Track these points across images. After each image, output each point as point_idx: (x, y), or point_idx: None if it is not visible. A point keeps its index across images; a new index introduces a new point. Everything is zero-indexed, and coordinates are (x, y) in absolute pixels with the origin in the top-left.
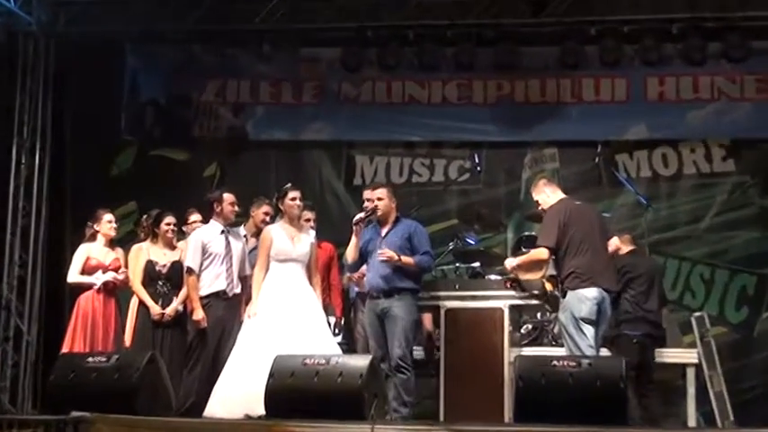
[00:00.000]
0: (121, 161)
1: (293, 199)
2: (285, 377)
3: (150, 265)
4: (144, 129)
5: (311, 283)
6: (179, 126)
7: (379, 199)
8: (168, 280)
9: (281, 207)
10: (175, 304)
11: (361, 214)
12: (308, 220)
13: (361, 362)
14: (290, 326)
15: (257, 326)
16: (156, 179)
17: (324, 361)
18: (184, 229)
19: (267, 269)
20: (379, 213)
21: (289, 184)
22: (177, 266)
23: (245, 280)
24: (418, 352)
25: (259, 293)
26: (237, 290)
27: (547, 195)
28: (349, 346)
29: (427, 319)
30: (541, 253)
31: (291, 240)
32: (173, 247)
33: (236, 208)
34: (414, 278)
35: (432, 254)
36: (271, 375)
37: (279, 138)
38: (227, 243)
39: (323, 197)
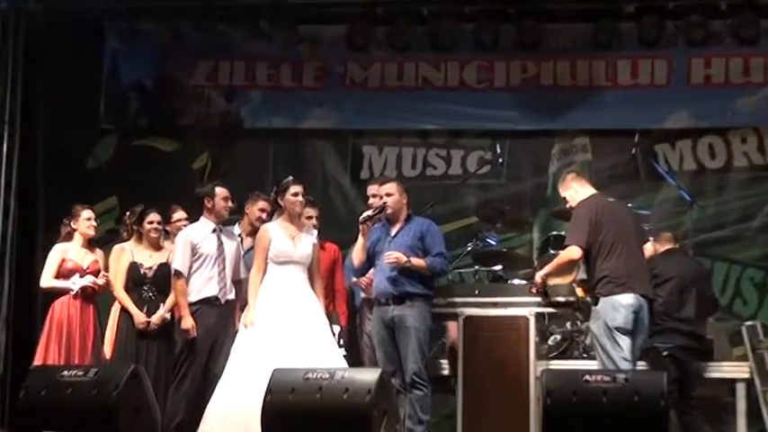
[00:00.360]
0: (100, 152)
1: (295, 194)
2: (284, 393)
3: (134, 268)
4: (126, 116)
5: (313, 288)
6: (165, 113)
7: (389, 195)
8: (154, 284)
9: (281, 203)
10: (162, 312)
11: (369, 212)
12: (309, 218)
13: (369, 376)
14: (291, 336)
15: (254, 336)
16: (140, 172)
17: (328, 375)
18: (168, 228)
19: (265, 272)
20: (389, 211)
21: (290, 178)
22: (164, 269)
23: (239, 284)
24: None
25: (256, 300)
26: (231, 295)
27: (575, 191)
28: (354, 359)
29: (453, 327)
30: (572, 252)
31: (292, 240)
32: (159, 248)
33: (230, 204)
34: (426, 282)
35: (446, 256)
36: (268, 391)
37: (277, 126)
38: (220, 243)
39: (326, 192)
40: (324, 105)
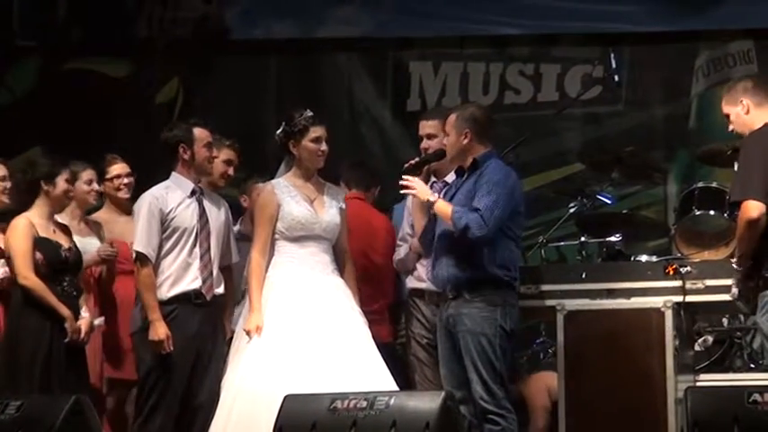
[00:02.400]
0: (16, 81)
1: (315, 139)
2: (302, 430)
3: (51, 248)
4: (52, 27)
5: (342, 275)
6: (111, 21)
7: (445, 133)
8: (74, 274)
9: (293, 151)
10: (88, 316)
11: (414, 160)
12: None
13: (427, 403)
14: (315, 347)
15: (261, 348)
16: (76, 109)
17: (365, 403)
18: (99, 189)
19: (272, 254)
20: (449, 157)
21: (307, 113)
22: (78, 252)
23: (229, 272)
24: None
25: (261, 295)
26: (220, 289)
27: (748, 110)
28: (400, 378)
29: None
30: (748, 210)
31: (311, 205)
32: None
33: (216, 153)
34: (493, 262)
35: (485, 217)
36: (278, 429)
37: (281, 35)
38: (202, 212)
39: (356, 131)
40: (351, 2)
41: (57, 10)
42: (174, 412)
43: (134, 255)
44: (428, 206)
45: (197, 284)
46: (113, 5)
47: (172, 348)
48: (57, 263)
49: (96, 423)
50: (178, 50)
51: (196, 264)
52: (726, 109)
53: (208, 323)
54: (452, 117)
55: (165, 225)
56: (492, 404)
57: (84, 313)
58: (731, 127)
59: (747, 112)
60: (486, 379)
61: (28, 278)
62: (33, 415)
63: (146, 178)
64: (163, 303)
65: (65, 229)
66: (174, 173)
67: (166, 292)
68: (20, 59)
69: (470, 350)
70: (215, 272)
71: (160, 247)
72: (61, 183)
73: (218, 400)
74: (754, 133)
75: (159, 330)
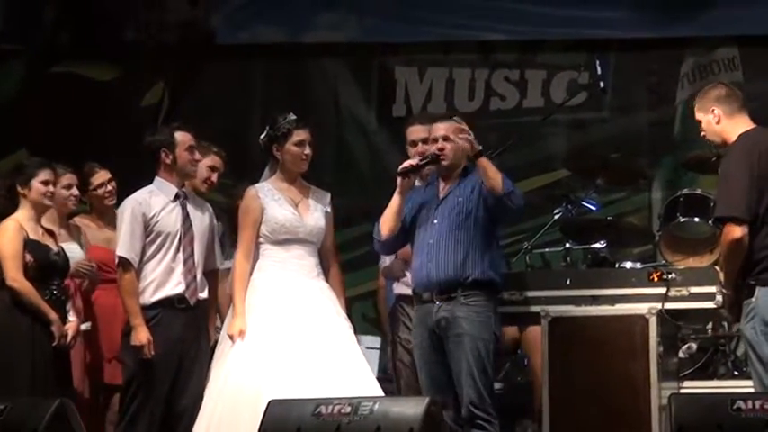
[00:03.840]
0: (1, 84)
1: (299, 143)
2: None
3: (41, 251)
4: (38, 31)
5: (327, 279)
6: (98, 25)
7: (446, 139)
8: (62, 278)
9: (277, 155)
10: (75, 320)
11: (413, 161)
12: None
13: (410, 409)
14: (299, 351)
15: (244, 353)
16: (61, 112)
17: (349, 408)
18: (78, 194)
19: (256, 257)
20: (445, 163)
21: (291, 117)
22: (65, 257)
23: (214, 277)
24: None
25: (245, 299)
26: (203, 294)
27: (721, 118)
28: (384, 384)
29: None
30: (730, 232)
31: (295, 208)
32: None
33: (198, 156)
34: (492, 264)
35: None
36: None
37: (267, 40)
38: (186, 216)
39: (342, 136)
40: (337, 7)
41: (43, 14)
42: (158, 416)
43: (117, 260)
44: (474, 155)
45: (180, 289)
46: (100, 9)
47: (154, 353)
48: (46, 265)
49: (80, 427)
50: (164, 55)
51: (179, 268)
52: (698, 115)
53: (191, 328)
54: (456, 124)
55: (148, 230)
56: (481, 410)
57: (72, 317)
58: (703, 133)
59: (719, 122)
60: (479, 384)
61: (17, 280)
62: (17, 418)
63: (131, 183)
64: (146, 308)
65: (52, 233)
66: (157, 177)
67: (150, 296)
68: (5, 63)
69: (467, 354)
70: (199, 276)
71: (143, 251)
72: (36, 185)
73: (201, 404)
74: (734, 147)
75: (141, 335)
